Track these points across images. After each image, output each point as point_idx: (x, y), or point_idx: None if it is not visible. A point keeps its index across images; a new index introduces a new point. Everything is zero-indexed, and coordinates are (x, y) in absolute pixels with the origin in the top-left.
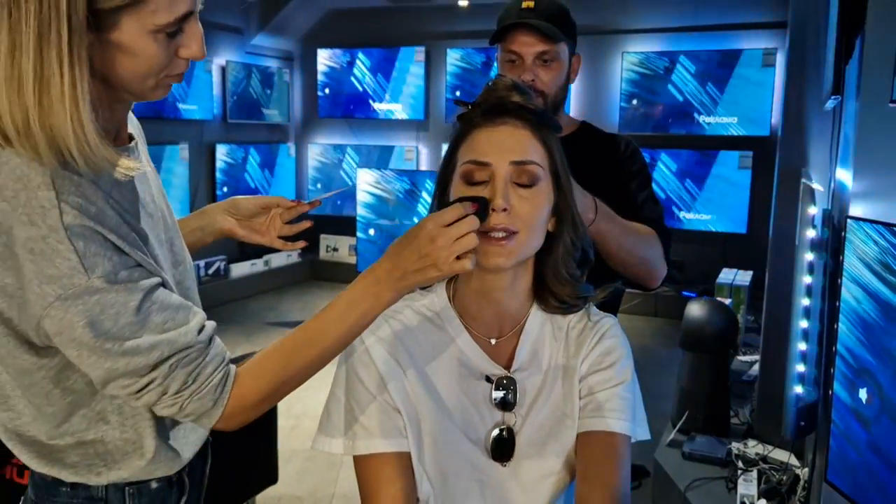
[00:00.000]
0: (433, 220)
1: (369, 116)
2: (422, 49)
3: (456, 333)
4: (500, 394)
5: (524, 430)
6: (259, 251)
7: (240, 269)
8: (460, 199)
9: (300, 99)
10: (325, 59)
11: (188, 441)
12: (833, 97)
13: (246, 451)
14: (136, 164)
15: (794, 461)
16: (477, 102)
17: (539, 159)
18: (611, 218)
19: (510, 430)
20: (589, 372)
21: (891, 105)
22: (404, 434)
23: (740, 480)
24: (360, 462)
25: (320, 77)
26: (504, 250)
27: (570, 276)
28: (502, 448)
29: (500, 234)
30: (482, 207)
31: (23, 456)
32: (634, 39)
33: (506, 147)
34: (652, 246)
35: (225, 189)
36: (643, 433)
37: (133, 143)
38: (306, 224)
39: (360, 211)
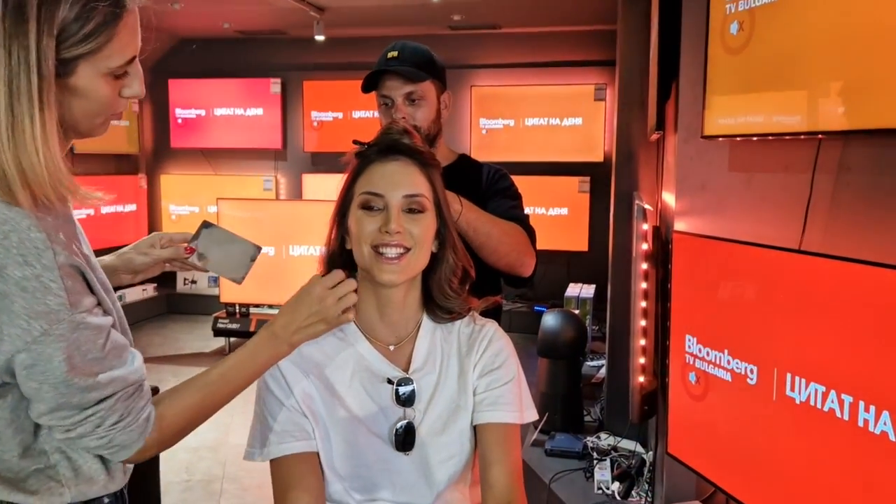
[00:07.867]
0: (320, 284)
1: (225, 147)
2: (277, 81)
3: (358, 344)
4: (405, 389)
5: (424, 422)
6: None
7: None
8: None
9: (151, 130)
10: (177, 89)
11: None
12: (657, 131)
13: None
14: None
15: (640, 449)
16: (374, 142)
17: (425, 192)
18: (476, 210)
19: (410, 424)
20: (483, 373)
21: (702, 138)
22: (312, 436)
23: (596, 469)
24: (274, 465)
25: (174, 108)
26: (397, 267)
27: (454, 290)
28: (405, 440)
29: (394, 254)
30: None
31: None
32: (482, 74)
33: (398, 182)
34: (517, 235)
35: None
36: (531, 415)
37: None
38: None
39: None
